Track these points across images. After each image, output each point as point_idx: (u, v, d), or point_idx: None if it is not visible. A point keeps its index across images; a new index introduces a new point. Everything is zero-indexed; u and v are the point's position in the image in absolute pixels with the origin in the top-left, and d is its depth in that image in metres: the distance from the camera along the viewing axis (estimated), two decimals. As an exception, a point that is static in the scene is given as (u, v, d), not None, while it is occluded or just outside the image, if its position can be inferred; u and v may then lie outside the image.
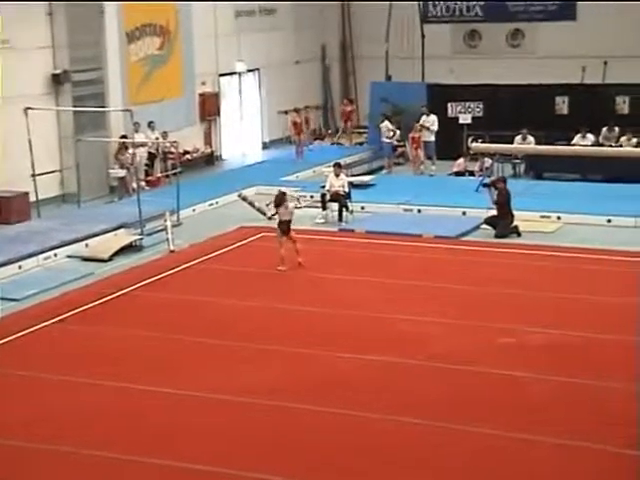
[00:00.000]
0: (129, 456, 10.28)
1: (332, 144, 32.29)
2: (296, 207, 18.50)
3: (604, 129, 26.78)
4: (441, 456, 10.26)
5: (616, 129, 26.71)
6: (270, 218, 20.79)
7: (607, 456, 10.14)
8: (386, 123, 28.15)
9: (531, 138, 26.32)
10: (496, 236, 19.79)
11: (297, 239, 17.75)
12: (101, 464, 10.16)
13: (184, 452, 10.36)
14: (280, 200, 17.74)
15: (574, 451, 10.25)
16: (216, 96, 29.84)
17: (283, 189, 18.83)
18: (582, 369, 12.55)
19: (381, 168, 28.26)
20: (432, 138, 27.46)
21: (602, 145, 26.22)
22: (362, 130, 32.68)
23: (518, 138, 26.35)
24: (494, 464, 10.06)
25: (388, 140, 28.01)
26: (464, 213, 21.59)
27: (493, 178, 21.32)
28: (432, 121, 27.57)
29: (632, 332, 13.74)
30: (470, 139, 26.29)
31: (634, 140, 25.82)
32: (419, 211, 22.09)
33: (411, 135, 27.28)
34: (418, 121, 27.42)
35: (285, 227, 17.66)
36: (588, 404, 11.46)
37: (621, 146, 25.81)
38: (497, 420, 11.00)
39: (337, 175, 21.59)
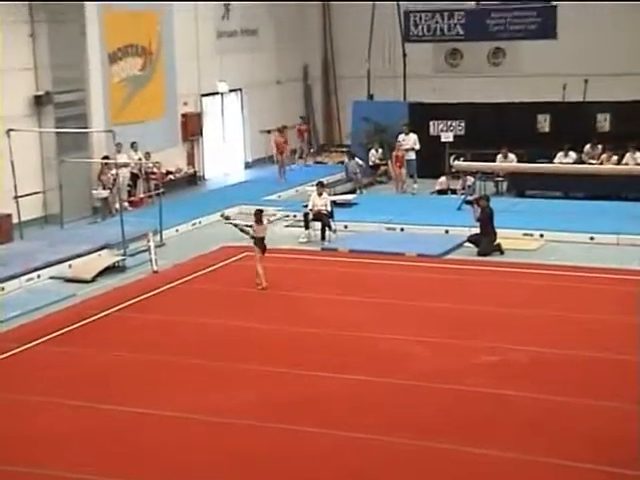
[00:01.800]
0: (108, 478, 10.22)
1: (315, 163, 32.38)
2: (269, 221, 18.78)
3: (587, 146, 26.90)
4: (426, 476, 10.24)
5: (599, 146, 26.83)
6: (253, 238, 20.76)
7: (598, 476, 10.14)
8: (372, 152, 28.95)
9: (512, 156, 26.39)
10: (479, 254, 19.84)
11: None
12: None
13: (164, 472, 10.33)
14: (259, 216, 17.94)
15: (565, 471, 10.25)
16: (198, 116, 29.84)
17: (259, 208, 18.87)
18: (568, 387, 12.55)
19: (366, 185, 28.21)
20: (413, 156, 27.55)
21: (584, 162, 26.33)
22: (345, 149, 32.72)
23: (499, 157, 26.42)
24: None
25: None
26: (447, 231, 21.62)
27: (476, 195, 21.37)
28: (413, 140, 27.67)
29: (618, 349, 13.75)
30: (452, 157, 26.39)
31: (615, 158, 25.95)
32: (402, 230, 22.12)
33: (394, 153, 27.35)
34: (397, 139, 27.57)
35: (262, 244, 17.86)
36: (576, 423, 11.46)
37: (602, 163, 25.93)
38: (484, 439, 10.99)
39: (320, 194, 21.62)
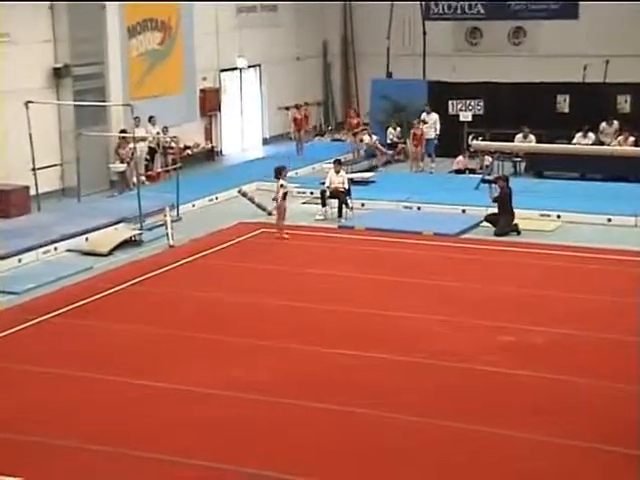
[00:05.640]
0: (122, 449, 10.28)
1: (333, 140, 32.34)
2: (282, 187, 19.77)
3: (603, 123, 26.82)
4: (441, 454, 10.24)
5: (615, 123, 26.75)
6: (270, 214, 20.82)
7: (608, 456, 10.13)
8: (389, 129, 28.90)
9: (532, 136, 26.28)
10: (496, 234, 19.78)
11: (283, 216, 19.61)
12: (94, 457, 10.17)
13: (177, 446, 10.37)
14: (280, 172, 19.88)
15: (575, 451, 10.25)
16: (217, 91, 29.81)
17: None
18: (583, 368, 12.54)
19: (383, 164, 28.15)
20: (432, 135, 27.47)
21: (602, 142, 26.22)
22: (363, 127, 32.59)
23: (519, 136, 26.28)
24: (496, 462, 10.05)
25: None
26: (464, 211, 21.58)
27: (494, 175, 21.28)
28: (434, 120, 27.57)
29: (634, 331, 13.68)
30: (471, 137, 26.29)
31: (631, 139, 25.79)
32: (419, 208, 22.08)
33: (413, 131, 27.26)
34: (419, 119, 27.47)
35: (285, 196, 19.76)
36: (590, 404, 11.45)
37: (619, 145, 25.76)
38: (497, 419, 10.99)
39: (337, 172, 21.59)
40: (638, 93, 27.93)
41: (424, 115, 27.62)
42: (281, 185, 19.65)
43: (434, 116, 27.63)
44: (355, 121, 29.17)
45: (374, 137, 28.15)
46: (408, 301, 15.42)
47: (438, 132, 27.49)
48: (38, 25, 23.07)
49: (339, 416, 11.13)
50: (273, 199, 20.25)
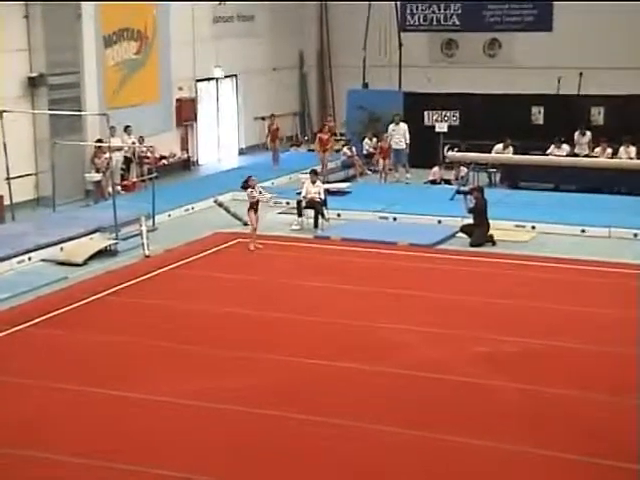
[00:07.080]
0: (94, 461, 10.22)
1: (309, 150, 32.36)
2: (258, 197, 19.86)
3: (576, 133, 27.04)
4: (418, 465, 10.24)
5: (588, 133, 26.96)
6: (245, 224, 20.81)
7: (584, 467, 10.17)
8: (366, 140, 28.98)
9: (510, 148, 26.42)
10: (471, 245, 19.85)
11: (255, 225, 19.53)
12: (68, 469, 10.12)
13: (150, 457, 10.32)
14: (246, 183, 19.70)
15: (552, 462, 10.27)
16: (193, 101, 29.82)
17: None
18: (557, 378, 12.57)
19: (360, 174, 28.26)
20: (402, 146, 27.46)
21: (576, 154, 26.42)
22: (339, 138, 32.68)
23: (499, 146, 26.39)
24: (472, 473, 10.07)
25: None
26: (439, 221, 21.64)
27: (470, 186, 21.38)
28: (403, 130, 27.57)
29: (608, 342, 13.79)
30: (446, 148, 26.40)
31: (609, 150, 26.00)
32: (395, 219, 22.13)
33: (380, 144, 27.39)
34: (387, 130, 27.58)
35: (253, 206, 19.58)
36: (564, 415, 11.47)
37: (596, 156, 25.98)
38: (473, 429, 11.00)
39: (313, 182, 21.62)
40: (611, 105, 28.16)
41: (392, 126, 27.53)
42: (260, 192, 19.64)
43: (403, 126, 27.61)
44: (326, 137, 28.66)
45: (354, 149, 28.34)
46: (384, 312, 15.43)
47: (408, 141, 27.49)
48: (13, 34, 22.98)
49: (311, 427, 11.10)
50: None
